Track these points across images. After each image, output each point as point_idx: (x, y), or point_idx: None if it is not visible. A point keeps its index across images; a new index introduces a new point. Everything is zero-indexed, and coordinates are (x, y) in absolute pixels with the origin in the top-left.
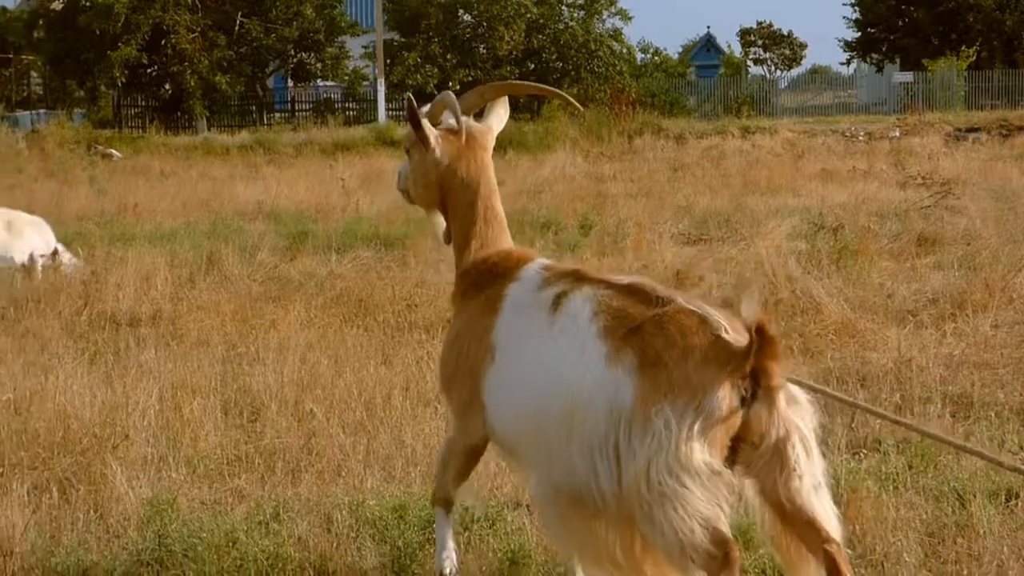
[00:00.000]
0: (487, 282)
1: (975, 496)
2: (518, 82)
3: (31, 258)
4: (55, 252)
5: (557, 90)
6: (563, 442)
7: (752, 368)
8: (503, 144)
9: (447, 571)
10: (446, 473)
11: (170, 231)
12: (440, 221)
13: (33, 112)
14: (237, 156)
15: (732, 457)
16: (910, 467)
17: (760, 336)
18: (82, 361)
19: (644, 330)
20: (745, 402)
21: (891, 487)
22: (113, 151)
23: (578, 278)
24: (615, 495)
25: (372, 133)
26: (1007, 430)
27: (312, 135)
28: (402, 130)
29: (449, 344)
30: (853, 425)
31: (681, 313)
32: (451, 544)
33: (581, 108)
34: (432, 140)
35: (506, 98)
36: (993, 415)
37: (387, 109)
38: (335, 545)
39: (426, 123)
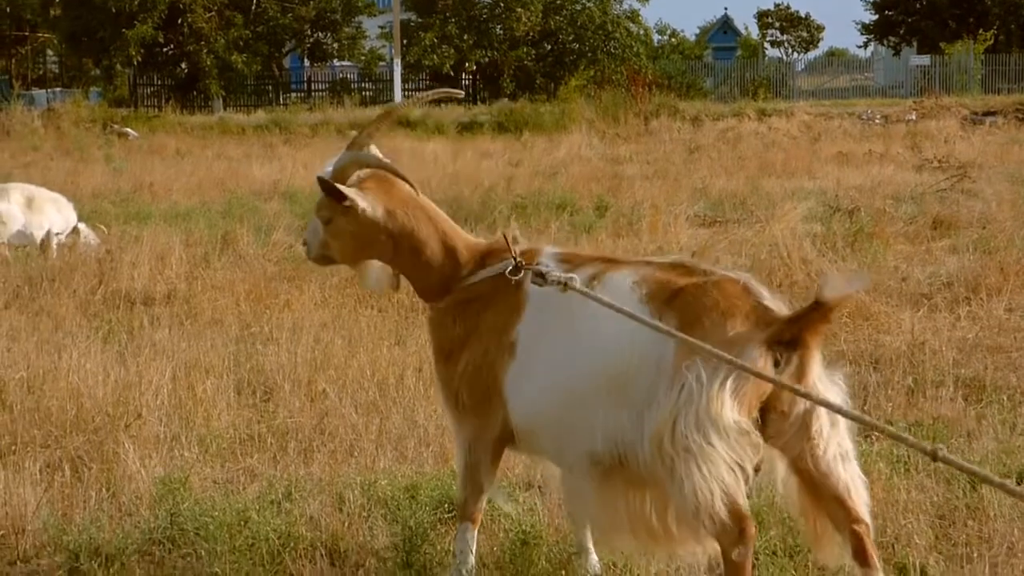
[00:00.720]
0: (492, 283)
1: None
2: (393, 106)
3: (47, 235)
4: (75, 230)
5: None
6: (612, 408)
7: (792, 337)
8: (519, 126)
9: None
10: (478, 474)
11: (185, 210)
12: (374, 270)
13: (49, 90)
14: (253, 136)
15: (762, 425)
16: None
17: (816, 308)
18: (96, 340)
19: (686, 293)
20: (778, 366)
21: (902, 469)
22: (129, 130)
23: (610, 261)
24: (650, 450)
25: None
26: (1019, 413)
27: (328, 115)
28: (316, 198)
29: (453, 351)
30: (866, 408)
31: (725, 280)
32: (471, 561)
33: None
34: (361, 202)
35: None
36: (1005, 399)
37: (403, 90)
38: (347, 525)
39: (348, 190)
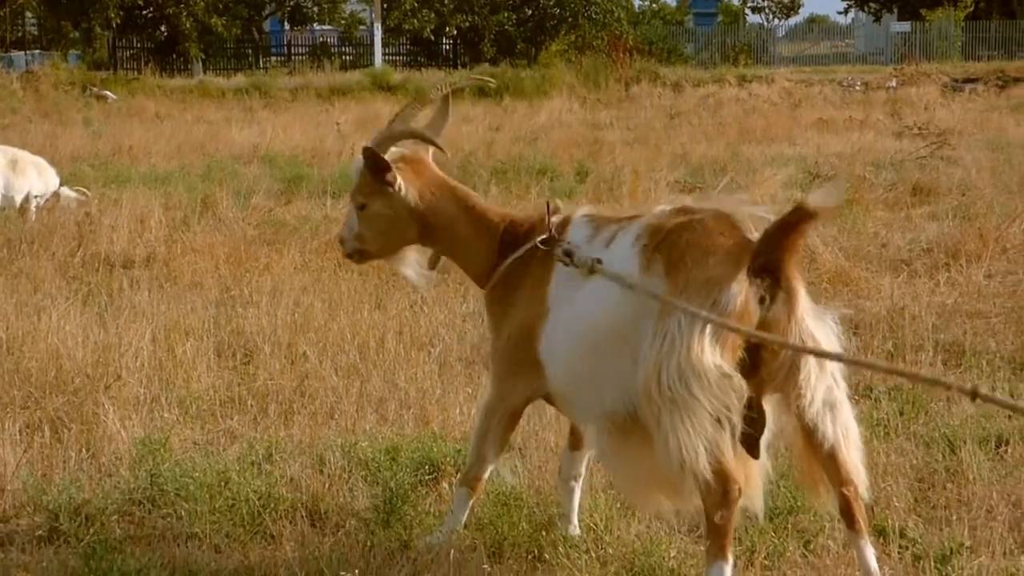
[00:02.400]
0: (530, 255)
1: (965, 442)
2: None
3: (26, 198)
4: (56, 194)
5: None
6: (615, 362)
7: (769, 259)
8: (500, 91)
9: (439, 543)
10: (485, 443)
11: (165, 173)
12: (409, 259)
13: (28, 53)
14: (232, 99)
15: (752, 368)
16: (901, 413)
17: (788, 217)
18: (75, 302)
19: (672, 235)
20: (764, 303)
21: (882, 433)
22: (108, 93)
23: (631, 218)
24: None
25: (368, 78)
26: (998, 378)
27: (308, 79)
28: (353, 183)
29: (501, 318)
30: (847, 374)
31: (712, 217)
32: (456, 524)
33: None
34: (399, 181)
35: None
36: (984, 363)
37: (384, 54)
38: (327, 486)
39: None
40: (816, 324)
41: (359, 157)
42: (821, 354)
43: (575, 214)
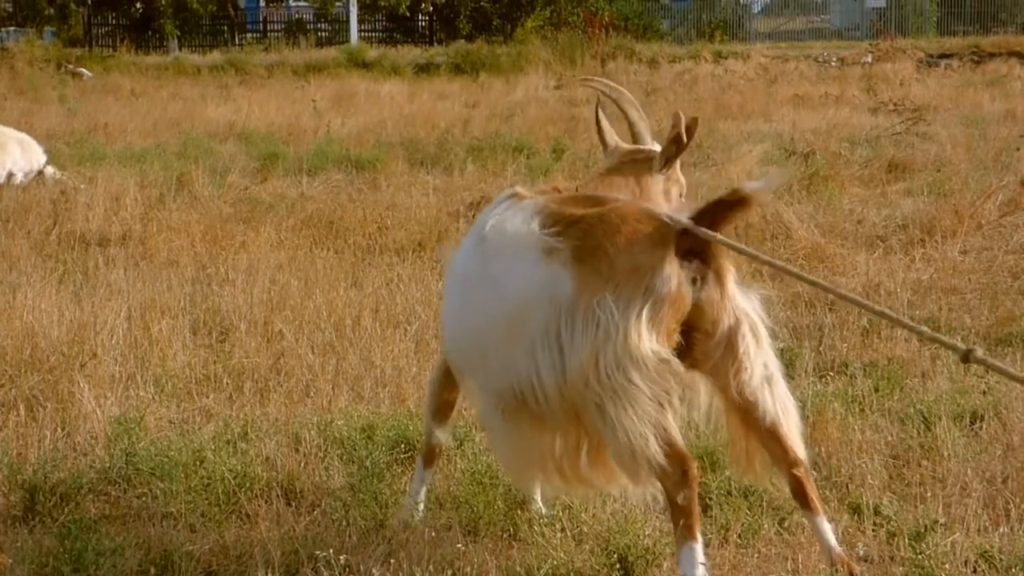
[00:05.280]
0: None
1: (940, 419)
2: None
3: (9, 175)
4: (42, 171)
5: None
6: (505, 345)
7: (696, 246)
8: (476, 67)
9: (411, 520)
10: (427, 407)
11: (140, 151)
12: None
13: (3, 30)
14: (208, 77)
15: (687, 349)
16: (876, 390)
17: (707, 210)
18: (51, 280)
19: (583, 222)
20: (696, 284)
21: (857, 410)
22: (83, 70)
23: (520, 196)
24: (558, 389)
25: (344, 54)
26: None
27: (284, 56)
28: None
29: None
30: (821, 348)
31: (625, 206)
32: (422, 499)
33: None
34: None
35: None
36: (960, 339)
37: (359, 30)
38: (303, 464)
39: None
40: (745, 301)
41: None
42: (872, 309)
43: (515, 188)
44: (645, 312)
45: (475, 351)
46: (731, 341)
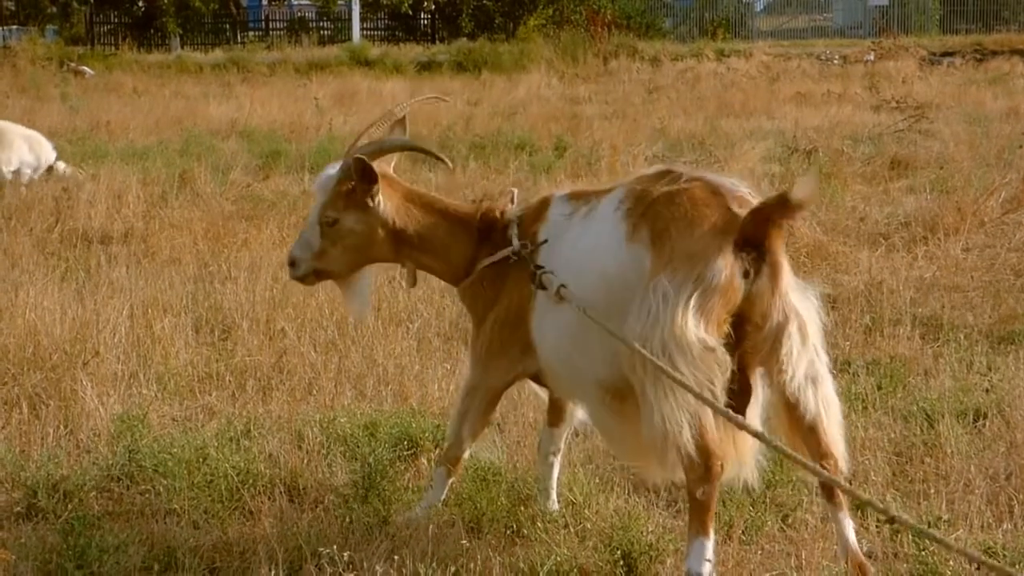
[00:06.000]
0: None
1: (943, 416)
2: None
3: (17, 172)
4: (51, 168)
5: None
6: (605, 333)
7: (755, 237)
8: (478, 65)
9: (417, 520)
10: (463, 424)
11: (142, 149)
12: (366, 280)
13: (5, 28)
14: (210, 75)
15: (737, 340)
16: (879, 388)
17: (776, 203)
18: (53, 278)
19: (658, 203)
20: (749, 276)
21: (860, 407)
22: (85, 68)
23: (612, 186)
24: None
25: (346, 52)
26: (975, 352)
27: (286, 54)
28: (321, 197)
29: (484, 305)
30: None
31: (697, 187)
32: (434, 501)
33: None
34: (379, 197)
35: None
36: (962, 337)
37: (362, 29)
38: (306, 462)
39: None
40: (799, 299)
41: (330, 170)
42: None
43: (554, 194)
44: (694, 299)
45: (575, 347)
46: (777, 338)
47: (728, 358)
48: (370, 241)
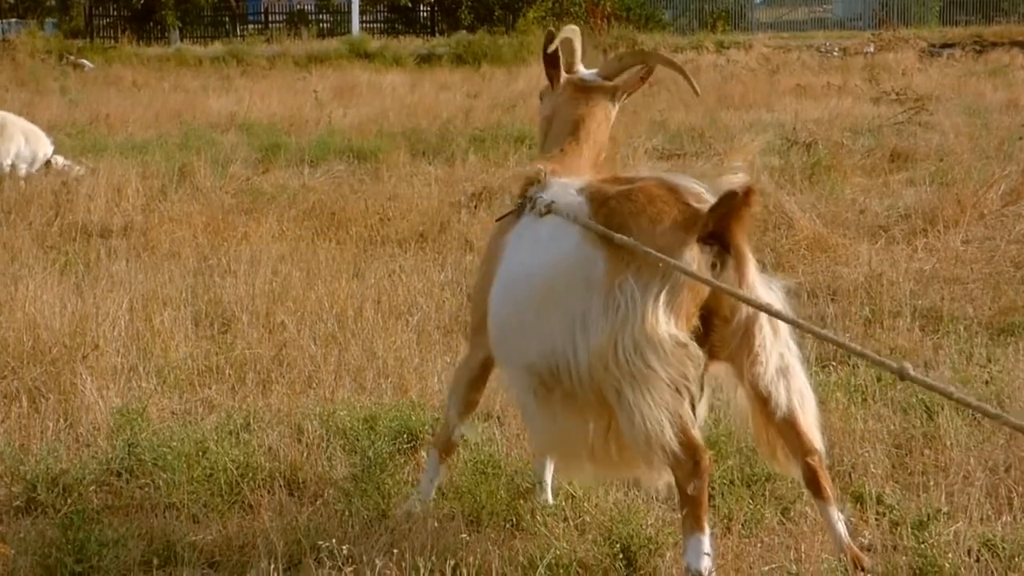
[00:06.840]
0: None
1: (943, 408)
2: (654, 53)
3: (12, 165)
4: (48, 163)
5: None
6: (544, 320)
7: (718, 231)
8: (478, 58)
9: (414, 508)
10: (450, 403)
11: (142, 142)
12: None
13: (4, 21)
14: (210, 68)
15: (705, 334)
16: (879, 379)
17: (727, 198)
18: (52, 271)
19: (612, 201)
20: (716, 268)
21: (860, 399)
22: (85, 61)
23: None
24: (588, 370)
25: (346, 45)
26: (975, 344)
27: (285, 47)
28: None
29: (475, 279)
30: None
31: (651, 184)
32: (432, 493)
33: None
34: None
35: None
36: (962, 329)
37: (361, 21)
38: (305, 455)
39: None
40: (765, 292)
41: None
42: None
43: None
44: (663, 296)
45: (513, 327)
46: (748, 331)
47: (700, 352)
48: None
